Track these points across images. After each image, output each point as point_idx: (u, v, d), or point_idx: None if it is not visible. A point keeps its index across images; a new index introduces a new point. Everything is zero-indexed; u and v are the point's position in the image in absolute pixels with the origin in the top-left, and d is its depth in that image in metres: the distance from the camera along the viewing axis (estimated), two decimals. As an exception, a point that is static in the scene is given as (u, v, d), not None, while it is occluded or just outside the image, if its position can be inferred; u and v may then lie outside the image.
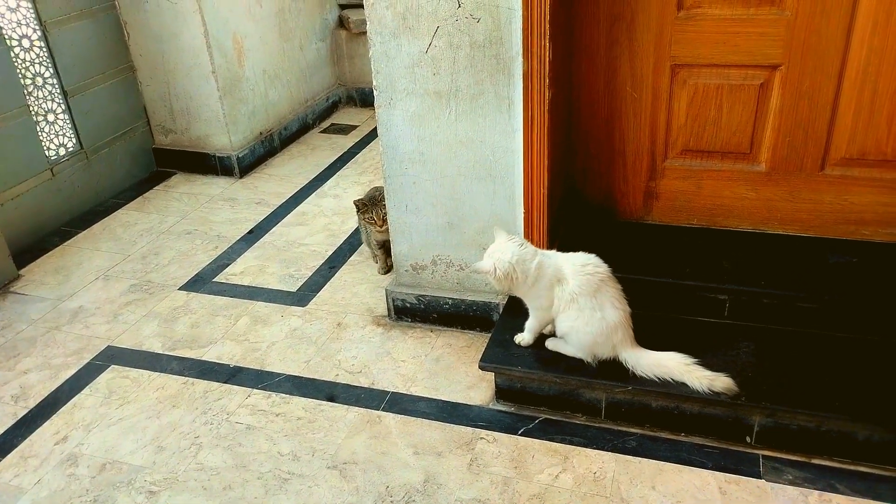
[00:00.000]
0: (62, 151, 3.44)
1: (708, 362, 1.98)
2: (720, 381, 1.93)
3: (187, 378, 2.42)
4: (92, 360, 2.53)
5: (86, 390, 2.39)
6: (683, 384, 1.96)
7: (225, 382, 2.39)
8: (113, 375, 2.46)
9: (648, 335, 2.07)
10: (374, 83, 2.25)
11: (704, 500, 1.86)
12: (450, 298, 2.52)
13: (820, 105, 2.18)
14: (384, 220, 2.76)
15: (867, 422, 1.87)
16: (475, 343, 2.47)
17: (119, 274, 3.04)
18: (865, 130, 2.18)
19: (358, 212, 2.89)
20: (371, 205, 2.83)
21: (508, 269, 1.97)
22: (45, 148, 3.34)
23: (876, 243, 2.30)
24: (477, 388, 2.28)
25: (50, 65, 3.33)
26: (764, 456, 1.97)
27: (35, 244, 3.27)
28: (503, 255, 1.98)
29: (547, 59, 2.03)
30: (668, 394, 1.99)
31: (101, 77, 3.58)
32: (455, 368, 2.38)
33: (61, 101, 3.40)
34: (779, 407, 1.92)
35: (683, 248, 2.37)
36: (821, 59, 2.12)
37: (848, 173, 2.25)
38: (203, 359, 2.51)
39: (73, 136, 3.48)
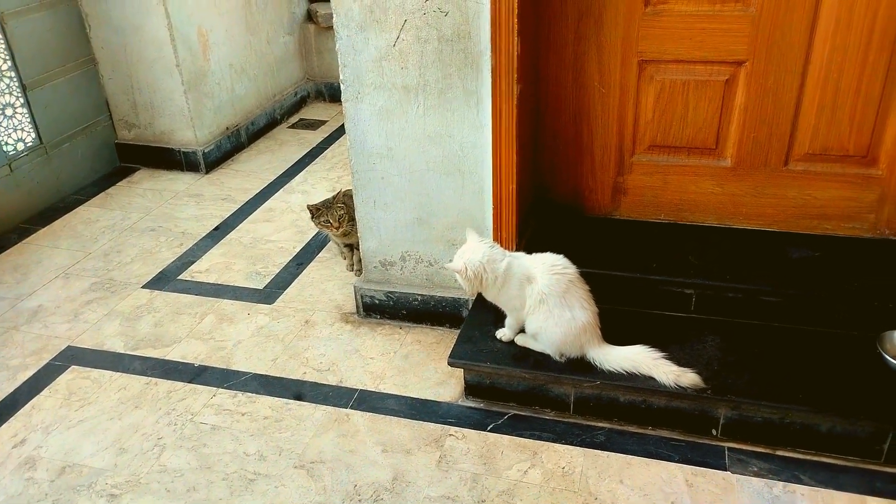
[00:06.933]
0: (21, 146, 3.34)
1: (675, 356, 2.00)
2: (686, 378, 1.94)
3: (150, 378, 2.37)
4: (51, 360, 2.47)
5: (45, 392, 2.33)
6: (651, 378, 1.98)
7: (189, 382, 2.35)
8: (73, 376, 2.39)
9: (616, 329, 2.07)
10: (341, 77, 2.22)
11: (671, 492, 1.87)
12: (419, 295, 2.50)
13: (784, 102, 2.20)
14: (340, 223, 2.68)
15: (829, 413, 1.90)
16: (444, 339, 2.46)
17: (80, 272, 2.97)
18: (828, 127, 2.21)
19: (312, 217, 2.73)
20: (326, 208, 2.70)
21: (479, 268, 1.97)
22: (2, 143, 3.24)
23: (838, 237, 2.33)
24: (446, 385, 2.27)
25: (8, 57, 3.23)
26: (730, 448, 1.99)
27: (-8, 242, 3.19)
28: (474, 255, 1.99)
29: (515, 55, 2.02)
30: (635, 388, 2.00)
31: (62, 70, 3.49)
32: (424, 365, 2.37)
33: (20, 95, 3.31)
34: (744, 400, 1.94)
35: (651, 243, 2.38)
36: (785, 55, 2.14)
37: (811, 168, 2.28)
38: (167, 358, 2.46)
39: (32, 130, 3.38)
